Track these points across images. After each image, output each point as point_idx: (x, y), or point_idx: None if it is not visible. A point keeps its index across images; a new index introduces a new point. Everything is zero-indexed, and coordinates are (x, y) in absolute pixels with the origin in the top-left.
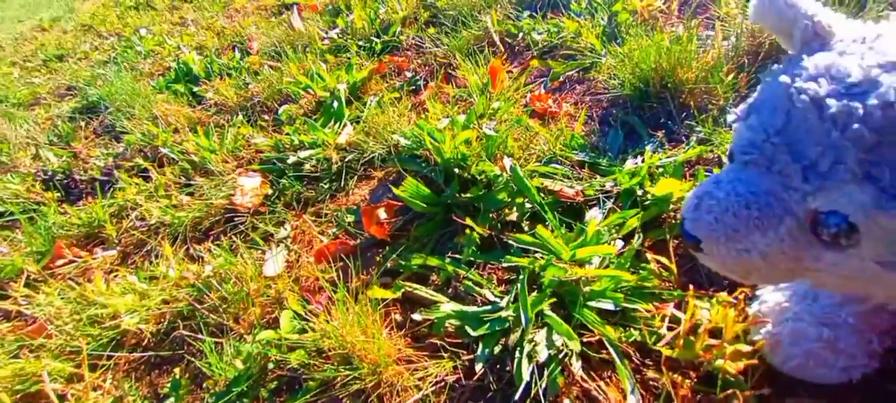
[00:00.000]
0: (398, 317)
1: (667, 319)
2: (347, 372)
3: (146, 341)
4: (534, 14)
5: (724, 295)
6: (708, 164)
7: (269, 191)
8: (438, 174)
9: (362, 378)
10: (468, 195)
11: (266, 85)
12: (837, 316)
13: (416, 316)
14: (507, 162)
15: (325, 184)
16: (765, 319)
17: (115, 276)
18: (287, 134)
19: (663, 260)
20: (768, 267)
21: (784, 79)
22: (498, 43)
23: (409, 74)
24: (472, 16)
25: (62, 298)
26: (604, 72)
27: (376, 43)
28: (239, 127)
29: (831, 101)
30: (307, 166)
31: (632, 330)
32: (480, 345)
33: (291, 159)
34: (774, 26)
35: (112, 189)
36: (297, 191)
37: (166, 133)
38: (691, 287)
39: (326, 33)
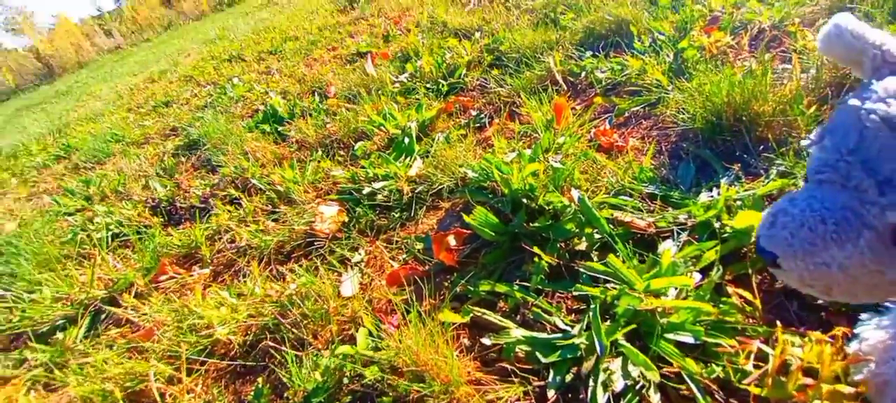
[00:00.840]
0: (467, 341)
1: (752, 356)
2: (419, 389)
3: (234, 351)
4: (596, 54)
5: (817, 333)
6: None
7: (346, 219)
8: (506, 204)
9: (435, 395)
10: (536, 225)
11: (343, 124)
12: None
13: (486, 341)
14: (575, 193)
15: (397, 213)
16: (867, 357)
17: (209, 292)
18: (362, 167)
19: (746, 294)
20: (850, 282)
21: (854, 102)
22: (560, 82)
23: (474, 113)
24: (534, 57)
25: (167, 307)
26: (671, 107)
27: (443, 85)
28: (319, 161)
29: None
30: (380, 196)
31: (713, 365)
32: (552, 372)
33: (366, 190)
34: (844, 57)
35: (208, 215)
36: (370, 219)
37: (255, 166)
38: (779, 323)
39: (397, 78)
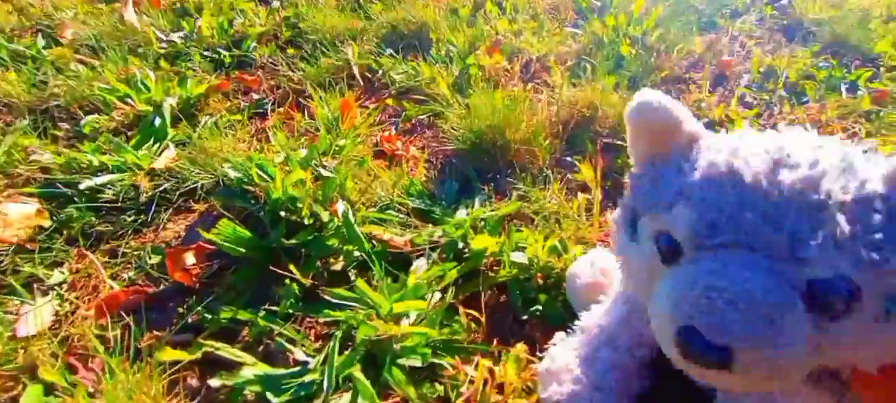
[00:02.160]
0: (195, 383)
1: (467, 376)
2: None
3: None
4: (395, 54)
5: (521, 347)
6: (522, 220)
7: (47, 223)
8: (266, 215)
9: None
10: (294, 241)
11: (72, 86)
12: (606, 381)
13: (214, 382)
14: (340, 206)
15: (130, 216)
16: (551, 377)
17: None
18: (83, 152)
19: (474, 313)
20: (800, 368)
21: (715, 158)
22: (358, 76)
23: (256, 97)
24: (335, 45)
25: None
26: (450, 122)
27: (225, 56)
28: (19, 135)
29: (785, 172)
30: (109, 193)
31: (437, 385)
32: None
33: (86, 184)
34: (654, 128)
35: None
36: (87, 223)
37: None
38: (495, 341)
39: (166, 36)
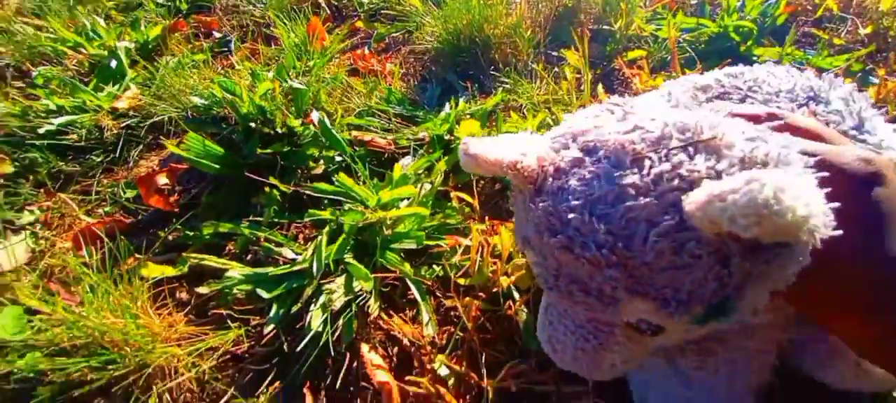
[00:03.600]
0: (185, 296)
1: (459, 251)
2: (98, 365)
3: None
4: None
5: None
6: (510, 111)
7: (10, 170)
8: (239, 133)
9: (127, 366)
10: (269, 150)
11: (18, 43)
12: None
13: (203, 290)
14: (315, 115)
15: (97, 156)
16: None
17: None
18: (40, 98)
19: (467, 197)
20: (630, 361)
21: (538, 207)
22: (323, 4)
23: (219, 35)
24: None
25: None
26: (425, 32)
27: (181, 2)
28: None
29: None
30: (72, 136)
31: (435, 266)
32: (274, 306)
33: (45, 128)
34: (489, 172)
35: None
36: (53, 167)
37: None
38: (487, 218)
39: None
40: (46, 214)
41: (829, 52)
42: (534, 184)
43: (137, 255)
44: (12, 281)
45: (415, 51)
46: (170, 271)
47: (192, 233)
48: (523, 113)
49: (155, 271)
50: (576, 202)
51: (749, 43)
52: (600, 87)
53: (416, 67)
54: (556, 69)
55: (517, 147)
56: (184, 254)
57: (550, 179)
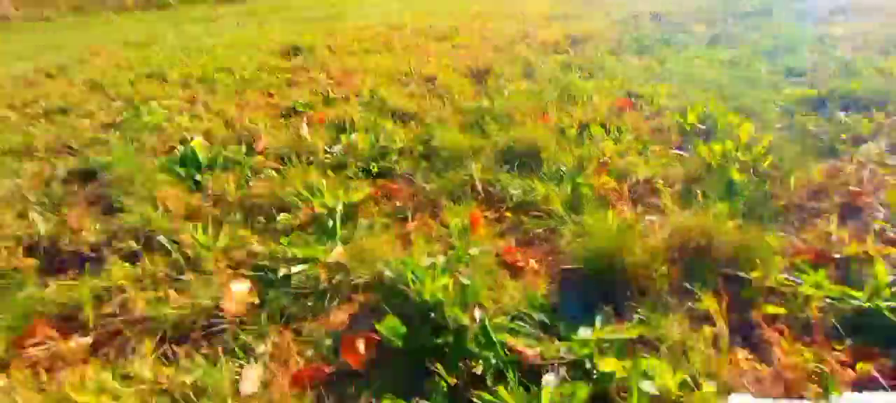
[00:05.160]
0: None
1: None
2: None
3: None
4: (512, 170)
5: None
6: (645, 345)
7: (256, 301)
8: (416, 315)
9: None
10: (439, 340)
11: (267, 187)
12: None
13: None
14: (477, 313)
15: (310, 301)
16: None
17: (87, 369)
18: (281, 244)
19: None
20: None
21: None
22: (480, 189)
23: (399, 203)
24: (460, 160)
25: (34, 384)
26: (566, 236)
27: (374, 166)
28: (236, 227)
29: None
30: (296, 280)
31: None
32: None
33: (283, 271)
34: None
35: (100, 268)
36: (282, 305)
37: (163, 218)
38: None
39: (330, 147)
40: (274, 348)
41: None
42: None
43: None
44: None
45: (556, 251)
46: None
47: (374, 401)
48: (660, 354)
49: None
50: None
51: None
52: (746, 353)
53: (557, 270)
54: (690, 305)
55: None
56: None
57: None
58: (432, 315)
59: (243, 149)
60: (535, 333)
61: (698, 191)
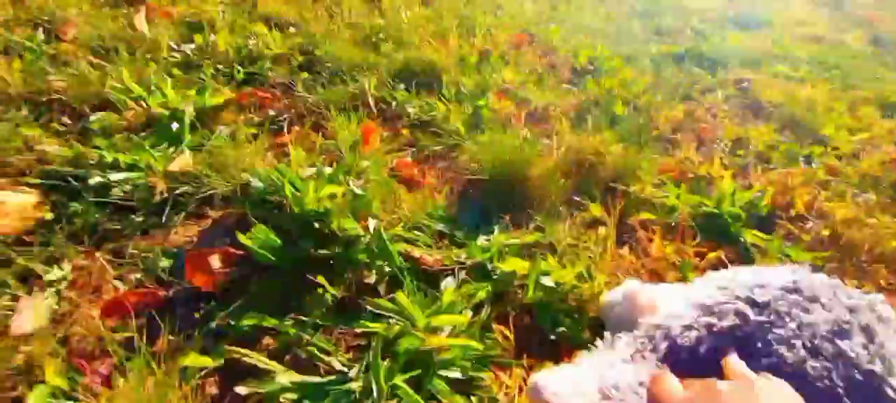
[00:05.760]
0: (214, 391)
1: (503, 386)
2: None
3: None
4: (409, 89)
5: (550, 364)
6: (542, 249)
7: (49, 216)
8: (295, 226)
9: None
10: (325, 251)
11: (77, 81)
12: None
13: (241, 390)
14: (372, 222)
15: (139, 216)
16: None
17: None
18: (97, 147)
19: (505, 330)
20: None
21: None
22: (372, 106)
23: (272, 113)
24: (351, 74)
25: None
26: (466, 154)
27: (239, 72)
28: (19, 123)
29: None
30: (116, 191)
31: (473, 399)
32: None
33: (96, 179)
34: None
35: None
36: (92, 220)
37: None
38: (524, 356)
39: (179, 46)
40: (78, 275)
41: (803, 248)
42: None
43: (170, 337)
44: (37, 352)
45: (455, 169)
46: (208, 362)
47: (232, 323)
48: (561, 258)
49: (195, 360)
50: None
51: (739, 226)
52: (626, 251)
53: (456, 186)
54: (581, 214)
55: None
56: (226, 347)
57: None
58: (315, 225)
59: (41, 35)
60: (434, 242)
61: (588, 119)
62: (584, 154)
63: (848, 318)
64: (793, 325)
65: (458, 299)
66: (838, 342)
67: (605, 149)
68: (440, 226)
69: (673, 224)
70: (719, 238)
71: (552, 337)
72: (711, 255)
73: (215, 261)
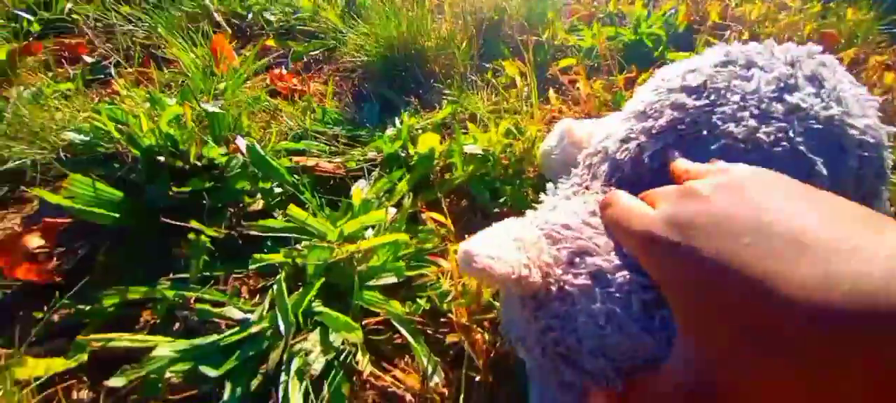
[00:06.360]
0: (86, 394)
1: (448, 275)
2: None
3: None
4: None
5: None
6: (460, 122)
7: None
8: (141, 172)
9: None
10: (187, 189)
11: None
12: None
13: (115, 382)
14: (241, 141)
15: None
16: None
17: None
18: None
19: (439, 217)
20: None
21: (540, 324)
22: (222, 23)
23: (91, 61)
24: None
25: None
26: (350, 49)
27: (31, 22)
28: None
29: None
30: None
31: (420, 300)
32: (228, 387)
33: None
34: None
35: None
36: None
37: None
38: (465, 237)
39: None
40: None
41: None
42: (535, 298)
43: (4, 349)
44: None
45: (340, 69)
46: (59, 364)
47: (87, 308)
48: (484, 125)
49: (36, 368)
50: (589, 342)
51: (661, 48)
52: (552, 93)
53: (346, 86)
54: (494, 80)
55: (518, 256)
56: (79, 338)
57: (556, 302)
58: (163, 161)
59: None
60: (332, 148)
61: None
62: (483, 11)
63: (791, 72)
64: (735, 98)
65: (373, 197)
66: (787, 97)
67: (505, 3)
68: (337, 130)
69: (595, 64)
70: (646, 65)
71: (495, 211)
72: (642, 78)
73: (32, 241)
